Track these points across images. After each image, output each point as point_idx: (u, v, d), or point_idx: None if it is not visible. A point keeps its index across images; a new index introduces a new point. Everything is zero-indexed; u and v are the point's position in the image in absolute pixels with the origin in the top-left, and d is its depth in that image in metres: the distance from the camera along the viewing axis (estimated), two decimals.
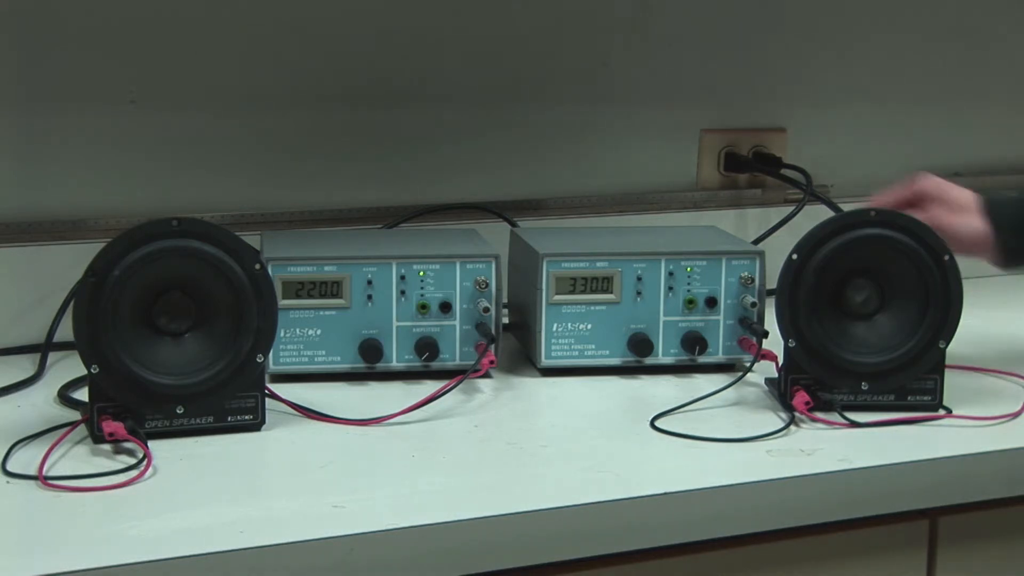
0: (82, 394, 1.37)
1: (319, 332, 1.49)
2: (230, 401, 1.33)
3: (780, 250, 1.44)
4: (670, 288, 1.54)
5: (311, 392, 1.45)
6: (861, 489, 1.30)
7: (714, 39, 1.93)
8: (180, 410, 1.31)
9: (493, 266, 1.51)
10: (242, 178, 1.73)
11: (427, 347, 1.50)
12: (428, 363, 1.50)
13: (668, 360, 1.55)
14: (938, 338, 1.42)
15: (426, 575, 1.15)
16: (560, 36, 1.86)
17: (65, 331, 1.47)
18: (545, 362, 1.54)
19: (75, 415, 1.36)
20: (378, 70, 1.77)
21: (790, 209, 1.91)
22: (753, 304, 1.53)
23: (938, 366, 1.42)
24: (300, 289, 1.48)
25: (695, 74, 1.93)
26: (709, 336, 1.54)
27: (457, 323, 1.51)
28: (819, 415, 1.40)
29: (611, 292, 1.54)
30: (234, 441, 1.32)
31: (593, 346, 1.54)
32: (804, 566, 1.31)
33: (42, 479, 1.20)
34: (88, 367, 1.28)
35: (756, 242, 1.82)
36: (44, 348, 1.56)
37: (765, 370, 1.49)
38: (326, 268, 1.49)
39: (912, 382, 1.43)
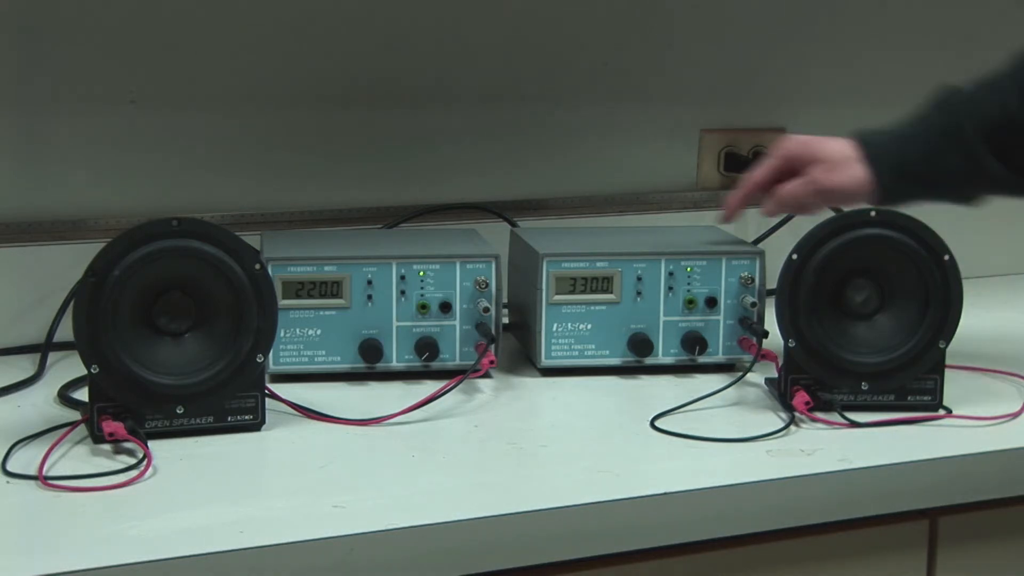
0: (82, 394, 1.37)
1: (319, 332, 1.49)
2: (230, 401, 1.33)
3: (780, 250, 1.44)
4: (670, 288, 1.54)
5: (311, 392, 1.45)
6: (861, 489, 1.30)
7: (714, 39, 1.93)
8: (180, 410, 1.31)
9: (493, 266, 1.51)
10: (242, 178, 1.73)
11: (427, 347, 1.50)
12: (428, 363, 1.50)
13: (668, 360, 1.55)
14: (938, 338, 1.41)
15: (426, 575, 1.15)
16: (560, 36, 1.86)
17: (65, 331, 1.47)
18: (545, 362, 1.54)
19: (75, 415, 1.36)
20: (378, 70, 1.77)
21: None
22: (753, 304, 1.53)
23: (938, 366, 1.42)
24: (300, 289, 1.48)
25: (695, 74, 1.93)
26: (709, 336, 1.54)
27: (457, 323, 1.51)
28: (819, 415, 1.40)
29: (611, 292, 1.54)
30: (234, 441, 1.32)
31: (593, 346, 1.54)
32: (804, 566, 1.31)
33: (42, 479, 1.20)
34: (88, 367, 1.28)
35: (756, 242, 1.81)
36: (44, 348, 1.56)
37: (765, 370, 1.49)
38: (326, 268, 1.49)
39: (912, 382, 1.42)
